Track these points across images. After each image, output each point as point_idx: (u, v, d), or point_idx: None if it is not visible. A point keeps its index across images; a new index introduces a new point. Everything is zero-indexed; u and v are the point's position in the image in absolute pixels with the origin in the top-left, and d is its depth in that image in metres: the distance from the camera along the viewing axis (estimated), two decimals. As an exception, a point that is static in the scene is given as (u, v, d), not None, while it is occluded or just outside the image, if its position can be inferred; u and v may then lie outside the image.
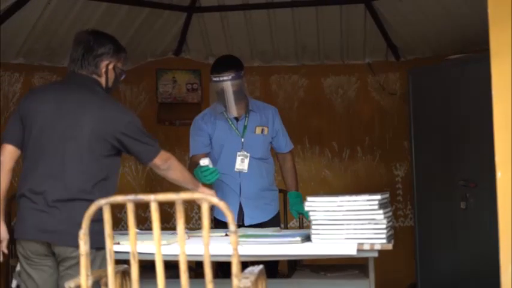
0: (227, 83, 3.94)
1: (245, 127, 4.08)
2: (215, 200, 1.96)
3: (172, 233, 3.43)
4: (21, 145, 3.01)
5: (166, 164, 3.13)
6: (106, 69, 3.08)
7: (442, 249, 5.05)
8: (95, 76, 3.06)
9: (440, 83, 5.09)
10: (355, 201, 3.14)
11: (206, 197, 1.95)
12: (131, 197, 2.02)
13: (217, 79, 3.96)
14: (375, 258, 3.17)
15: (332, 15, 5.45)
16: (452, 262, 4.96)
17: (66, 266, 2.88)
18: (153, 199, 1.98)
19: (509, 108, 2.17)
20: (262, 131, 4.11)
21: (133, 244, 2.03)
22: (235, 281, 1.94)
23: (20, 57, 5.37)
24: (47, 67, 5.55)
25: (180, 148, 5.94)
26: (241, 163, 4.04)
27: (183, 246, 1.97)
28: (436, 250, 5.12)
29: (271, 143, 4.19)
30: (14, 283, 3.22)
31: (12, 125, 3.03)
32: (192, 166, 4.00)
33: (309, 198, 3.25)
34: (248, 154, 4.05)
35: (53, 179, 2.90)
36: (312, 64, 5.98)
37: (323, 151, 5.97)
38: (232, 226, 1.95)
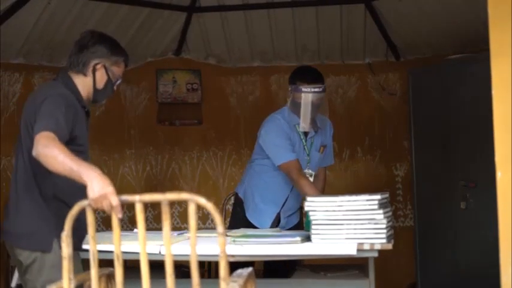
0: (317, 94, 3.73)
1: (312, 144, 3.94)
2: (202, 201, 1.93)
3: (180, 233, 3.43)
4: None
5: (35, 148, 2.55)
6: (93, 69, 2.97)
7: (442, 249, 5.05)
8: (79, 75, 2.97)
9: (440, 83, 5.09)
10: (355, 201, 3.14)
11: (193, 198, 1.93)
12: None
13: (307, 90, 3.72)
14: (374, 258, 3.17)
15: (332, 15, 5.45)
16: (452, 262, 4.96)
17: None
18: (138, 200, 1.95)
19: (509, 108, 2.17)
20: (323, 149, 4.00)
21: (118, 246, 2.02)
22: (223, 284, 1.92)
23: (20, 57, 5.37)
24: (47, 67, 5.55)
25: (180, 148, 5.94)
26: None
27: (168, 248, 1.95)
28: (436, 250, 5.12)
29: None
30: (14, 283, 3.22)
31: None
32: (299, 173, 3.78)
33: (309, 198, 3.25)
34: (313, 173, 3.90)
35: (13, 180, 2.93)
36: (312, 64, 5.95)
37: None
38: (220, 227, 1.93)
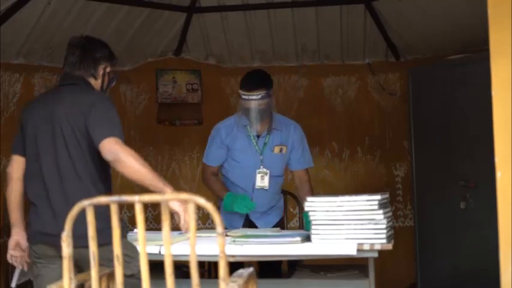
0: (256, 102, 3.88)
1: (265, 144, 4.03)
2: (202, 201, 1.93)
3: (180, 233, 3.43)
4: (25, 154, 3.06)
5: (112, 152, 2.77)
6: (104, 72, 3.11)
7: (442, 249, 5.05)
8: (91, 78, 3.09)
9: (440, 83, 5.09)
10: (355, 201, 3.14)
11: (192, 198, 1.93)
12: (115, 198, 1.99)
13: (246, 97, 3.89)
14: (374, 258, 3.18)
15: (332, 15, 5.45)
16: (452, 262, 4.96)
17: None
18: (138, 200, 1.95)
19: (509, 108, 2.17)
20: (281, 150, 4.07)
21: (118, 246, 2.02)
22: (222, 284, 1.92)
23: (20, 57, 5.37)
24: (47, 67, 5.54)
25: (180, 148, 5.95)
26: (262, 180, 4.01)
27: (168, 248, 1.95)
28: (436, 250, 5.12)
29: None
30: (14, 283, 3.22)
31: (16, 136, 3.12)
32: (207, 175, 4.10)
33: (308, 199, 3.25)
34: (268, 171, 4.01)
35: (51, 182, 2.92)
36: (312, 64, 5.98)
37: (323, 151, 5.97)
38: (219, 228, 1.93)
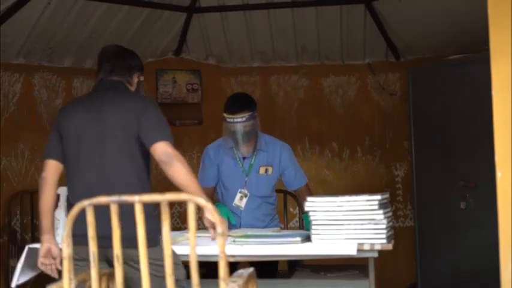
0: (240, 124, 3.93)
1: (251, 166, 4.05)
2: (202, 202, 1.93)
3: (180, 233, 3.43)
4: (62, 159, 3.02)
5: (167, 155, 2.89)
6: (138, 80, 3.17)
7: (442, 249, 5.05)
8: (128, 85, 3.13)
9: (440, 83, 5.09)
10: (355, 201, 3.14)
11: (192, 198, 1.93)
12: (115, 198, 1.99)
13: (230, 120, 3.93)
14: (374, 258, 3.18)
15: (332, 15, 5.45)
16: (452, 262, 4.96)
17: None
18: (138, 200, 1.95)
19: (509, 108, 2.17)
20: (266, 171, 4.08)
21: (118, 247, 2.02)
22: (222, 285, 1.92)
23: (20, 57, 5.37)
24: (47, 67, 5.55)
25: (180, 148, 5.90)
26: (240, 200, 4.04)
27: (168, 248, 1.95)
28: (436, 250, 5.12)
29: (281, 178, 4.17)
30: (14, 283, 3.22)
31: (51, 140, 3.05)
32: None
33: (309, 199, 3.26)
34: (248, 193, 4.03)
35: (97, 184, 2.90)
36: (312, 64, 5.98)
37: (323, 151, 5.97)
38: (219, 228, 1.93)
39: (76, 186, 2.95)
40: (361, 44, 5.76)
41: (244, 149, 4.01)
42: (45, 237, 2.96)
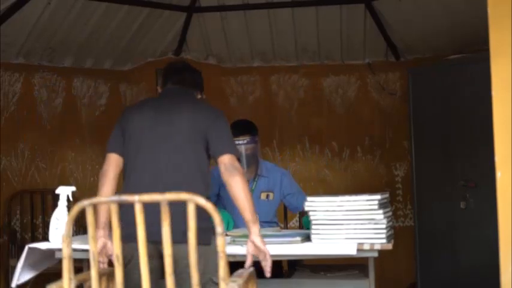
0: (242, 146, 3.97)
1: (252, 191, 4.04)
2: (201, 202, 1.93)
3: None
4: (123, 153, 3.05)
5: (233, 167, 3.01)
6: (201, 97, 3.29)
7: (442, 249, 5.05)
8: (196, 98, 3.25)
9: (440, 83, 5.09)
10: (355, 201, 3.14)
11: (192, 198, 1.93)
12: (115, 197, 1.99)
13: None
14: (374, 258, 3.17)
15: (332, 15, 5.45)
16: (452, 262, 4.96)
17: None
18: (138, 200, 1.96)
19: (509, 108, 2.17)
20: (268, 196, 4.12)
21: (118, 246, 2.02)
22: (222, 284, 1.92)
23: (20, 57, 5.37)
24: (47, 67, 5.55)
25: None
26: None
27: (168, 248, 1.95)
28: (436, 250, 5.11)
29: (283, 204, 4.20)
30: (14, 283, 3.22)
31: (114, 136, 3.09)
32: None
33: (309, 198, 3.25)
34: None
35: (154, 178, 2.93)
36: (312, 64, 5.99)
37: (323, 151, 5.97)
38: (219, 228, 1.93)
39: (133, 181, 2.97)
40: (361, 43, 5.76)
41: (245, 174, 4.01)
42: (102, 233, 2.97)
